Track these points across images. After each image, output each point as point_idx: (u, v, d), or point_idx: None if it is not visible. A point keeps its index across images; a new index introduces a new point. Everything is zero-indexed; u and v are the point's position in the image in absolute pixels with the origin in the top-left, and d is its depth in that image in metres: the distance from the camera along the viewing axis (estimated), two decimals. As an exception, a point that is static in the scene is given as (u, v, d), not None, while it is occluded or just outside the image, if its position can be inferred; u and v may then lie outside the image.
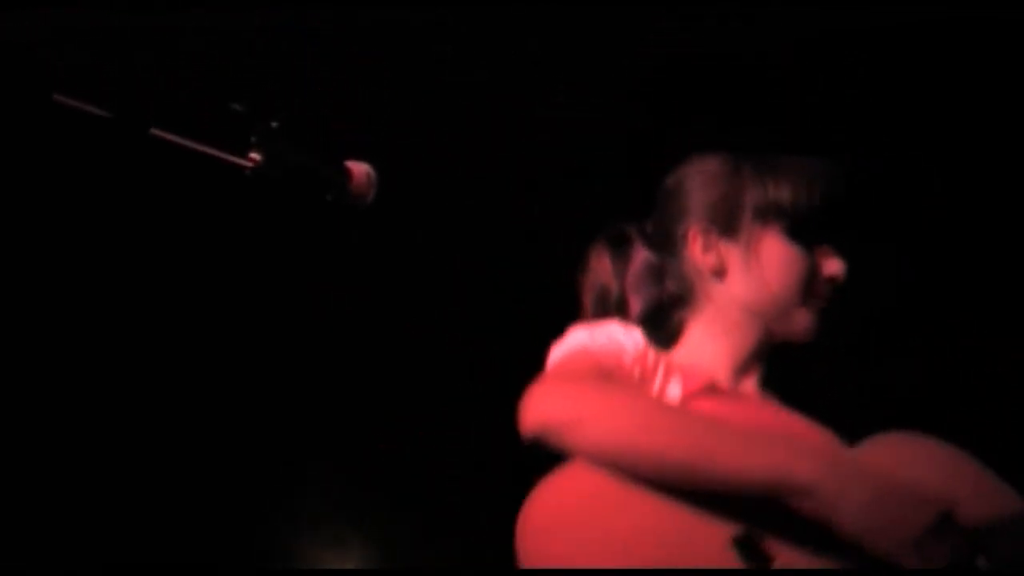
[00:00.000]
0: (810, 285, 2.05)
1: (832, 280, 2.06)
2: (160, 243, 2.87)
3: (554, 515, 1.71)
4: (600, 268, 2.18)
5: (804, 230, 2.04)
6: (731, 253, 2.07)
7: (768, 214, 2.05)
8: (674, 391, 1.95)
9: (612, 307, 2.15)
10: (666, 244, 2.13)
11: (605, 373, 1.87)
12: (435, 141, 3.02)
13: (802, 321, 2.06)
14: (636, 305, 2.13)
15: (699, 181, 2.12)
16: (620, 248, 2.19)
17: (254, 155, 1.65)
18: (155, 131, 1.62)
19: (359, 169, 1.73)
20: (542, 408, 1.72)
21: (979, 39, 3.14)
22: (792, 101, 3.33)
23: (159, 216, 2.75)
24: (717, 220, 2.08)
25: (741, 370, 2.06)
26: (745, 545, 1.64)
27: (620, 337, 1.98)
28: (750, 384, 2.07)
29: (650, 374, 1.96)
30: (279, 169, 1.66)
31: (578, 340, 1.94)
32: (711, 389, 1.96)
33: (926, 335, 3.11)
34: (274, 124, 1.65)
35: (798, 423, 1.97)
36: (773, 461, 1.62)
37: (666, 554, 1.63)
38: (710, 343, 2.07)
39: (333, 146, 1.71)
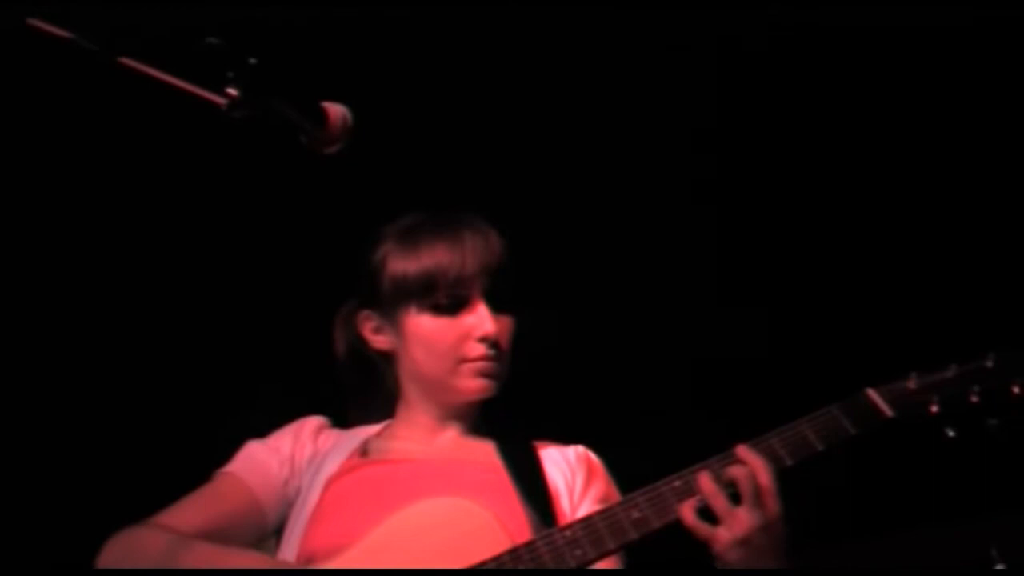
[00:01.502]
0: (459, 352, 2.09)
1: (486, 339, 2.08)
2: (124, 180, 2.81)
3: None
4: (335, 342, 2.28)
5: (442, 299, 2.09)
6: (390, 335, 2.17)
7: (404, 290, 2.11)
8: (325, 473, 2.09)
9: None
10: (354, 325, 2.24)
11: (235, 494, 2.08)
12: (422, 88, 2.97)
13: (462, 386, 2.12)
14: (352, 383, 2.27)
15: (366, 265, 2.19)
16: (347, 322, 2.28)
17: (231, 91, 1.58)
18: (126, 60, 1.56)
19: (335, 111, 1.67)
20: (101, 558, 1.97)
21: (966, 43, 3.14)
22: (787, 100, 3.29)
23: (125, 151, 2.70)
24: (376, 303, 2.17)
25: (433, 433, 2.16)
26: None
27: (282, 442, 2.14)
28: (448, 439, 2.16)
29: (306, 466, 2.11)
30: (256, 107, 1.59)
31: (232, 461, 2.13)
32: (358, 464, 2.10)
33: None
34: (252, 60, 1.59)
35: (456, 475, 2.07)
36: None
37: None
38: (403, 415, 2.20)
39: (310, 86, 1.65)
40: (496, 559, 1.88)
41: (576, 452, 2.16)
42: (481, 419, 2.18)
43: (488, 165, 3.02)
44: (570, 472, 2.12)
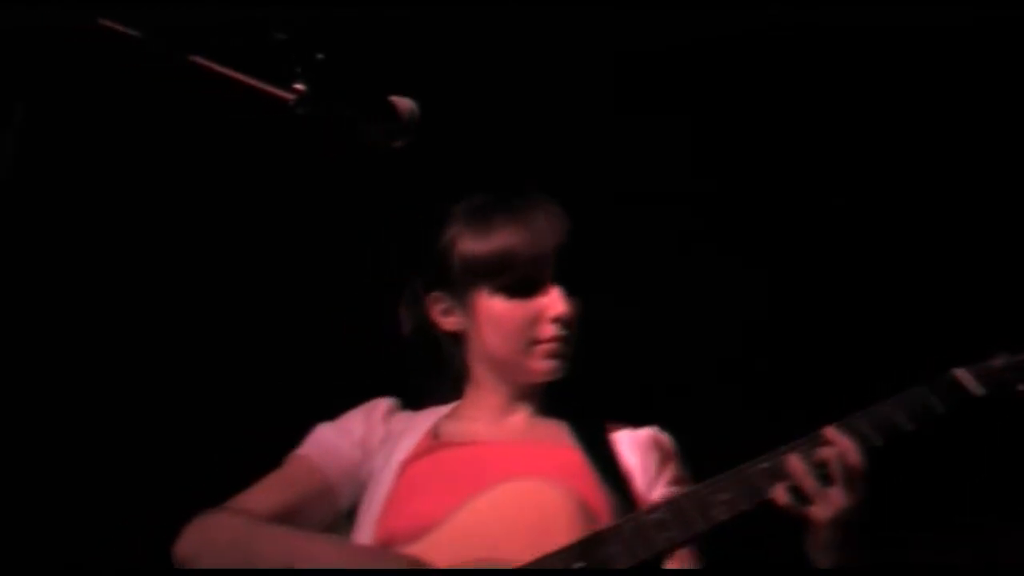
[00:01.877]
0: (531, 334, 2.09)
1: (558, 320, 2.09)
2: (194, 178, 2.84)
3: None
4: (402, 323, 2.26)
5: (515, 281, 2.08)
6: (460, 316, 2.15)
7: (476, 272, 2.10)
8: (398, 456, 2.09)
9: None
10: (422, 306, 2.22)
11: (308, 478, 2.09)
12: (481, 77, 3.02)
13: (535, 367, 2.11)
14: (420, 364, 2.24)
15: (431, 241, 2.17)
16: (413, 300, 2.26)
17: (298, 86, 1.60)
18: (195, 59, 1.58)
19: (403, 105, 1.69)
20: (179, 544, 2.00)
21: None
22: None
23: (195, 149, 2.74)
24: (446, 284, 2.15)
25: (504, 414, 2.15)
26: None
27: (353, 424, 2.14)
28: (519, 420, 2.15)
29: (378, 449, 2.11)
30: (324, 102, 1.61)
31: (304, 444, 2.14)
32: (431, 447, 2.10)
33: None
34: (319, 56, 1.61)
35: (532, 456, 2.07)
36: (280, 559, 1.92)
37: None
38: (473, 397, 2.19)
39: (377, 80, 1.67)
40: (582, 543, 1.87)
41: (648, 434, 2.16)
42: (548, 400, 2.17)
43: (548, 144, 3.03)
44: (643, 454, 2.12)
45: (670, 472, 2.11)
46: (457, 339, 2.19)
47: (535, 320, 2.08)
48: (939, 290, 3.23)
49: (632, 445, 2.13)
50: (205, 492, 2.06)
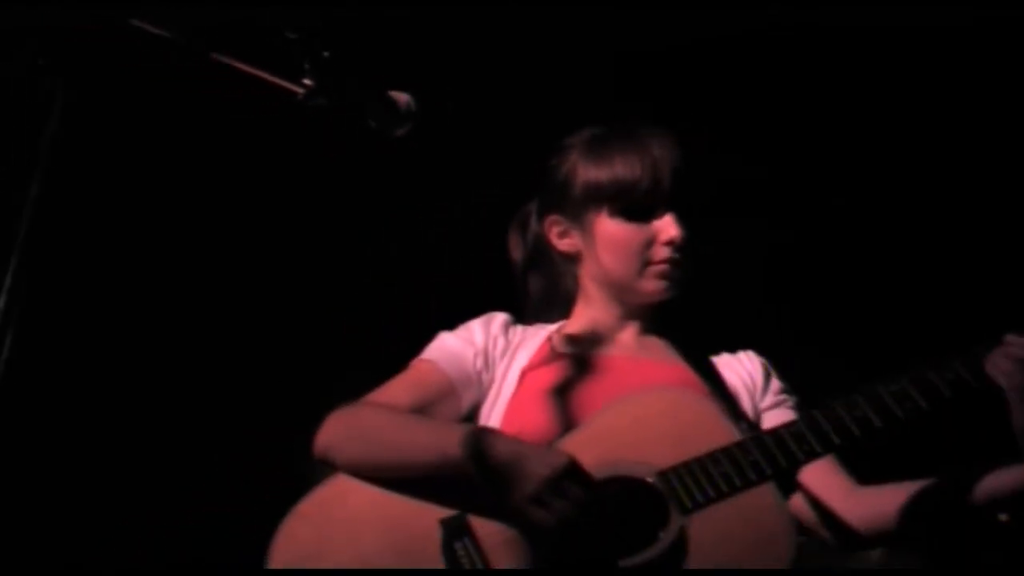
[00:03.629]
0: (645, 255, 2.21)
1: (671, 244, 2.20)
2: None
3: (311, 510, 2.07)
4: (511, 245, 2.43)
5: (633, 206, 2.21)
6: (578, 238, 2.29)
7: (596, 196, 2.23)
8: (519, 365, 2.22)
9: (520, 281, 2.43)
10: (539, 228, 2.37)
11: (436, 380, 2.20)
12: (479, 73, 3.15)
13: (647, 287, 2.24)
14: (531, 283, 2.41)
15: (552, 169, 2.32)
16: (525, 226, 2.43)
17: (306, 81, 1.79)
18: (216, 56, 1.76)
19: (401, 98, 1.87)
20: (322, 433, 2.11)
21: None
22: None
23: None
24: (564, 208, 2.30)
25: (614, 330, 2.28)
26: (450, 524, 1.97)
27: (475, 334, 2.26)
28: (628, 337, 2.29)
29: (499, 358, 2.24)
30: (329, 95, 1.80)
31: (429, 351, 2.26)
32: (550, 357, 2.23)
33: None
34: (326, 54, 1.79)
35: (647, 369, 2.20)
36: (434, 445, 2.01)
37: (390, 536, 2.01)
38: (584, 313, 2.32)
39: (377, 76, 1.84)
40: (727, 450, 1.94)
41: (747, 355, 2.30)
42: (656, 321, 2.29)
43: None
44: (747, 373, 2.26)
45: (774, 385, 2.25)
46: (571, 260, 2.32)
47: (649, 243, 2.21)
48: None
49: (733, 366, 2.27)
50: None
